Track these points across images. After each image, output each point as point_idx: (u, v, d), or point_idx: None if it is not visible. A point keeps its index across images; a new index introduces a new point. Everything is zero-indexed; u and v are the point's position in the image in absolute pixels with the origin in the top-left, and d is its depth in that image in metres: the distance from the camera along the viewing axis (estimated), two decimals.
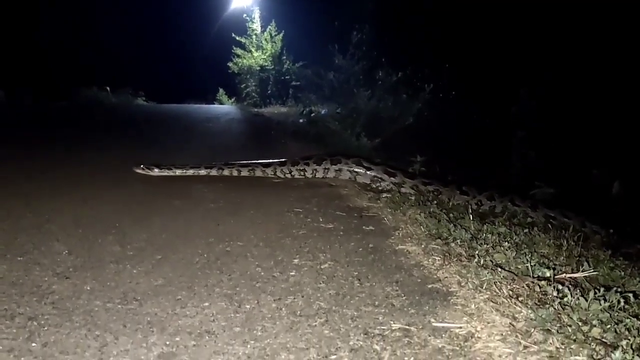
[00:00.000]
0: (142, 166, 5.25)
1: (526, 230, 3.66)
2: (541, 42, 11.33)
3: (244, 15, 24.48)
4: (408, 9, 14.01)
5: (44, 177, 5.05)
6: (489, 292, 2.33)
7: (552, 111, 10.16)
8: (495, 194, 5.27)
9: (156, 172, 5.25)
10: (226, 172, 5.47)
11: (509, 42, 11.81)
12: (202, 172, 5.43)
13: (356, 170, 5.48)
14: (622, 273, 3.02)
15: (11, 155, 6.35)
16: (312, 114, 12.01)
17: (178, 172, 5.36)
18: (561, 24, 10.88)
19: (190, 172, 5.41)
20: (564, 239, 3.59)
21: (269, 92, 23.96)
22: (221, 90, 28.40)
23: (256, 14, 24.44)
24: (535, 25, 11.49)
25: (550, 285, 2.32)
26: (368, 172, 5.43)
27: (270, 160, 5.67)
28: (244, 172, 5.51)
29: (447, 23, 13.09)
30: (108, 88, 22.24)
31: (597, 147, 9.08)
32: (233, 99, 27.32)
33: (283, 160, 5.68)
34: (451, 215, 3.92)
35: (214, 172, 5.43)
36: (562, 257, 3.14)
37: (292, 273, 2.63)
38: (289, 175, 5.55)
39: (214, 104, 27.77)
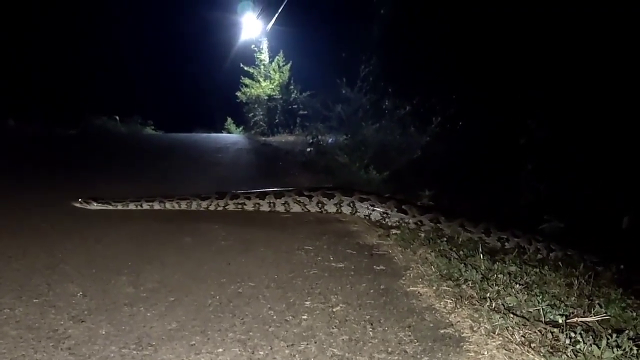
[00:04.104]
0: (80, 200, 5.25)
1: (536, 270, 3.65)
2: (549, 73, 11.39)
3: (252, 46, 24.85)
4: (415, 39, 14.17)
5: (57, 211, 5.09)
6: (501, 338, 2.34)
7: (562, 141, 10.16)
8: (440, 217, 5.25)
9: (95, 206, 5.25)
10: (168, 206, 5.46)
11: (517, 71, 11.88)
12: (145, 206, 5.40)
13: (299, 199, 5.56)
14: (634, 314, 3.02)
15: (27, 189, 6.45)
16: (320, 143, 12.08)
17: (119, 206, 5.33)
18: (569, 48, 10.94)
19: (132, 206, 5.37)
20: (574, 278, 3.59)
21: (277, 120, 24.17)
22: (229, 119, 28.74)
23: (264, 45, 24.82)
24: (543, 52, 11.57)
25: (562, 332, 2.32)
26: (311, 200, 5.56)
27: (208, 194, 5.68)
28: (183, 205, 5.50)
29: (455, 52, 13.21)
30: (117, 117, 22.58)
31: (607, 177, 9.05)
32: (241, 128, 27.60)
33: (223, 192, 5.70)
34: (461, 252, 3.93)
35: (156, 206, 5.42)
36: (574, 297, 3.14)
37: (305, 317, 2.64)
38: (224, 208, 5.56)
39: (222, 132, 28.09)
